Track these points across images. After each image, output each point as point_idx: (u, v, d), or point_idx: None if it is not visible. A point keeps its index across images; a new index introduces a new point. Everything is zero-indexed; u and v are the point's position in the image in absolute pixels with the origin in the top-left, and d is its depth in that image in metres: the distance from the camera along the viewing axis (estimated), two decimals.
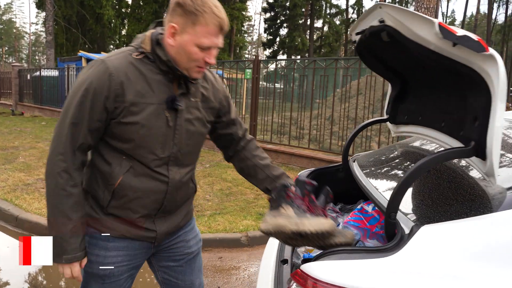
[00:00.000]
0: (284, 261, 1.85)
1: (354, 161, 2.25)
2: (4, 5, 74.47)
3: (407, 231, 1.22)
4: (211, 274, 3.55)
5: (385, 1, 23.78)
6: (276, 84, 8.94)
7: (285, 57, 38.08)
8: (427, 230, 1.18)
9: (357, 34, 1.92)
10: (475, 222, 1.19)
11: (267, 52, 41.89)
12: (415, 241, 1.17)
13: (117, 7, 30.78)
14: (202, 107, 1.65)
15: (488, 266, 1.09)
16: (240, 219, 4.58)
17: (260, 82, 8.38)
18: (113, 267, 1.60)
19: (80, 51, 17.66)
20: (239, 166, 1.85)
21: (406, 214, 1.33)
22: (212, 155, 8.53)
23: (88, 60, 15.66)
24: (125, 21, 32.11)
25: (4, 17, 74.23)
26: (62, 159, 1.45)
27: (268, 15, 39.63)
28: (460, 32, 1.20)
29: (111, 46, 34.62)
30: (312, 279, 1.21)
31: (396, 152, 2.31)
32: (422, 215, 1.33)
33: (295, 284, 1.28)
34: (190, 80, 1.54)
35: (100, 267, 1.59)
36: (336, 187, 2.45)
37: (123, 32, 34.01)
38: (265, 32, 41.18)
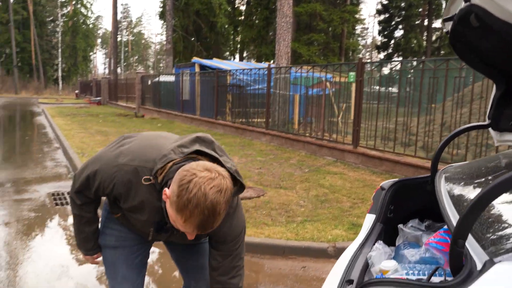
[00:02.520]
0: (350, 282, 1.66)
1: (443, 173, 1.94)
2: (136, 19, 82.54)
3: (479, 266, 0.95)
4: (291, 284, 3.38)
5: None
6: (387, 88, 8.44)
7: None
8: (504, 268, 0.90)
9: (447, 20, 1.63)
10: None
11: (382, 55, 40.29)
12: (486, 280, 0.90)
13: (231, 15, 32.08)
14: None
15: None
16: (330, 228, 4.34)
17: (370, 86, 7.98)
18: (122, 237, 1.89)
19: (194, 57, 18.61)
20: None
21: (481, 244, 1.05)
22: (314, 160, 8.36)
23: (201, 66, 16.45)
24: (238, 28, 33.30)
25: (135, 30, 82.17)
26: (75, 197, 1.77)
27: (382, 17, 38.10)
28: None
29: (226, 53, 36.16)
30: None
31: (498, 164, 1.94)
32: (503, 248, 1.03)
33: None
34: None
35: (113, 239, 1.90)
36: (424, 201, 2.15)
37: (237, 38, 35.33)
38: (379, 34, 39.64)
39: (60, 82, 51.21)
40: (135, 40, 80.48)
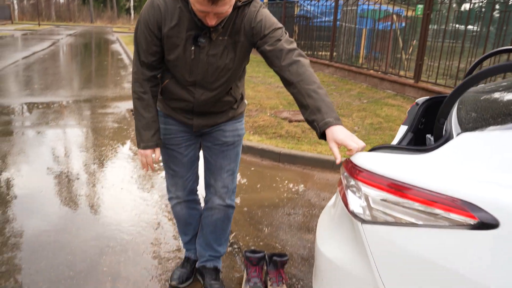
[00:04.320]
0: None
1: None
2: None
3: (454, 136, 1.31)
4: (334, 190, 3.83)
5: None
6: (457, 24, 8.18)
7: None
8: (467, 135, 1.26)
9: None
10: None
11: None
12: (450, 145, 1.27)
13: None
14: (230, 43, 1.88)
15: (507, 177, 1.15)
16: None
17: (438, 22, 7.80)
18: (170, 136, 2.17)
19: None
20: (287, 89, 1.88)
21: (461, 124, 1.40)
22: (374, 92, 8.50)
23: None
24: None
25: None
26: (134, 72, 2.00)
27: None
28: None
29: None
30: (357, 167, 1.41)
31: None
32: (474, 126, 1.37)
33: (345, 173, 1.50)
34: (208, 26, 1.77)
35: (162, 136, 2.16)
36: None
37: None
38: None
39: (132, 12, 52.51)
40: None
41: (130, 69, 11.45)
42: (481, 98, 1.68)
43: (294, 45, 1.83)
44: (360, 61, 10.69)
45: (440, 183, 1.22)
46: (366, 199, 1.36)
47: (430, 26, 7.80)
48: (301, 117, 5.92)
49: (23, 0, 51.02)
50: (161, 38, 1.88)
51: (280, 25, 1.88)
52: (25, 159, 4.34)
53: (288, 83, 1.77)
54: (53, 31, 28.86)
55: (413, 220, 1.25)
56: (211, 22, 1.73)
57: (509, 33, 6.96)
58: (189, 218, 2.40)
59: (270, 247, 2.85)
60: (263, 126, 5.54)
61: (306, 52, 12.15)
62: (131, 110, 6.64)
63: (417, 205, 1.24)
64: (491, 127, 1.32)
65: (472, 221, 1.15)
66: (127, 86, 8.94)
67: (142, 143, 2.05)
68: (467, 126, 1.37)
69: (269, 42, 1.81)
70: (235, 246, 2.85)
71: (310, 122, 1.67)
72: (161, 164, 2.33)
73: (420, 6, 7.93)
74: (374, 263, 1.34)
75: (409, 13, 9.12)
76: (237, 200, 3.58)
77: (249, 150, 4.74)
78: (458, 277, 1.18)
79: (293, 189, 3.88)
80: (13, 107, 6.65)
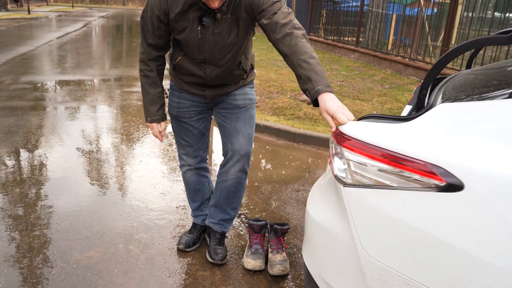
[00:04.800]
0: None
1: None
2: None
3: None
4: None
5: None
6: (484, 12, 8.00)
7: None
8: (445, 105, 1.34)
9: None
10: (487, 104, 1.28)
11: None
12: (428, 113, 1.35)
13: None
14: (232, 20, 1.99)
15: (477, 140, 1.22)
16: None
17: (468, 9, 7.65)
18: (182, 109, 2.33)
19: None
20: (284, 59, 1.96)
21: (444, 97, 1.47)
22: (398, 78, 8.43)
23: None
24: None
25: None
26: (141, 53, 2.18)
27: None
28: None
29: None
30: (341, 134, 1.51)
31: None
32: (454, 98, 1.44)
33: (334, 141, 1.59)
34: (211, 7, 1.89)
35: (175, 109, 2.34)
36: None
37: None
38: None
39: None
40: None
41: None
42: (467, 77, 1.74)
43: (291, 17, 1.92)
44: (389, 47, 10.57)
45: (414, 148, 1.30)
46: (348, 163, 1.45)
47: (460, 13, 7.65)
48: None
49: None
50: (168, 23, 2.03)
51: None
52: (55, 131, 4.59)
53: (283, 55, 1.87)
54: (86, 13, 29.47)
55: (388, 183, 1.35)
56: (214, 4, 1.86)
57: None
58: (198, 184, 2.55)
59: (276, 219, 2.98)
60: (282, 107, 5.63)
61: (332, 37, 12.10)
62: None
63: (392, 169, 1.34)
64: (469, 98, 1.39)
65: (440, 184, 1.24)
66: None
67: (148, 117, 2.26)
68: (448, 98, 1.44)
69: (266, 16, 1.91)
70: (243, 217, 2.99)
71: (304, 91, 1.77)
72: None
73: None
74: (353, 223, 1.44)
75: None
76: (249, 175, 3.72)
77: (266, 129, 4.85)
78: (427, 236, 1.27)
79: (304, 168, 3.98)
80: (46, 83, 6.95)
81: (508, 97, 1.26)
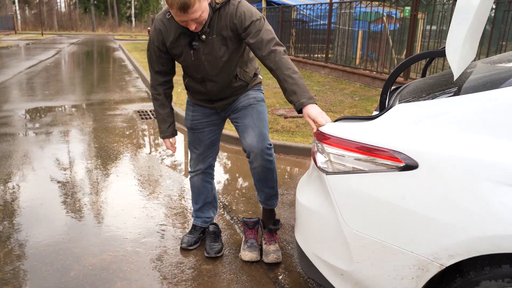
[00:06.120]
0: None
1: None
2: None
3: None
4: None
5: None
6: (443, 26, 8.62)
7: None
8: (400, 106, 1.73)
9: None
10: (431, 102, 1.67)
11: None
12: (388, 112, 1.73)
13: None
14: (218, 40, 2.29)
15: (420, 129, 1.60)
16: None
17: (429, 22, 8.22)
18: (196, 121, 2.69)
19: None
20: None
21: (400, 100, 1.86)
22: (367, 90, 8.96)
23: (267, 1, 16.90)
24: None
25: None
26: (150, 79, 2.58)
27: None
28: None
29: None
30: (322, 134, 1.87)
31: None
32: (409, 99, 1.83)
33: (316, 140, 1.96)
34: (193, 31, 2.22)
35: (189, 122, 2.71)
36: None
37: None
38: None
39: (133, 19, 53.26)
40: None
41: (134, 75, 12.01)
42: (419, 84, 2.15)
43: (273, 34, 2.25)
44: (357, 62, 11.16)
45: (379, 139, 1.67)
46: (328, 156, 1.82)
47: (423, 27, 8.23)
48: (295, 113, 6.39)
49: (25, 10, 51.81)
50: (167, 51, 2.41)
51: (259, 15, 2.26)
52: (44, 154, 4.82)
53: (269, 70, 2.23)
54: (56, 40, 29.52)
55: (361, 168, 1.71)
56: (192, 27, 2.16)
57: (487, 33, 7.39)
58: (202, 188, 2.89)
59: None
60: None
61: (302, 55, 12.65)
62: (138, 111, 7.12)
63: (363, 157, 1.70)
64: (421, 99, 1.78)
65: (400, 165, 1.61)
66: (132, 90, 9.43)
67: (161, 133, 2.67)
68: (404, 100, 1.83)
69: (251, 34, 2.22)
70: (235, 218, 3.31)
71: (289, 102, 2.14)
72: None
73: (408, 8, 8.39)
74: (336, 203, 1.79)
75: (401, 15, 9.58)
76: (237, 184, 4.05)
77: None
78: (393, 206, 1.63)
79: (286, 175, 4.34)
80: (29, 110, 7.14)
81: (453, 95, 1.65)
